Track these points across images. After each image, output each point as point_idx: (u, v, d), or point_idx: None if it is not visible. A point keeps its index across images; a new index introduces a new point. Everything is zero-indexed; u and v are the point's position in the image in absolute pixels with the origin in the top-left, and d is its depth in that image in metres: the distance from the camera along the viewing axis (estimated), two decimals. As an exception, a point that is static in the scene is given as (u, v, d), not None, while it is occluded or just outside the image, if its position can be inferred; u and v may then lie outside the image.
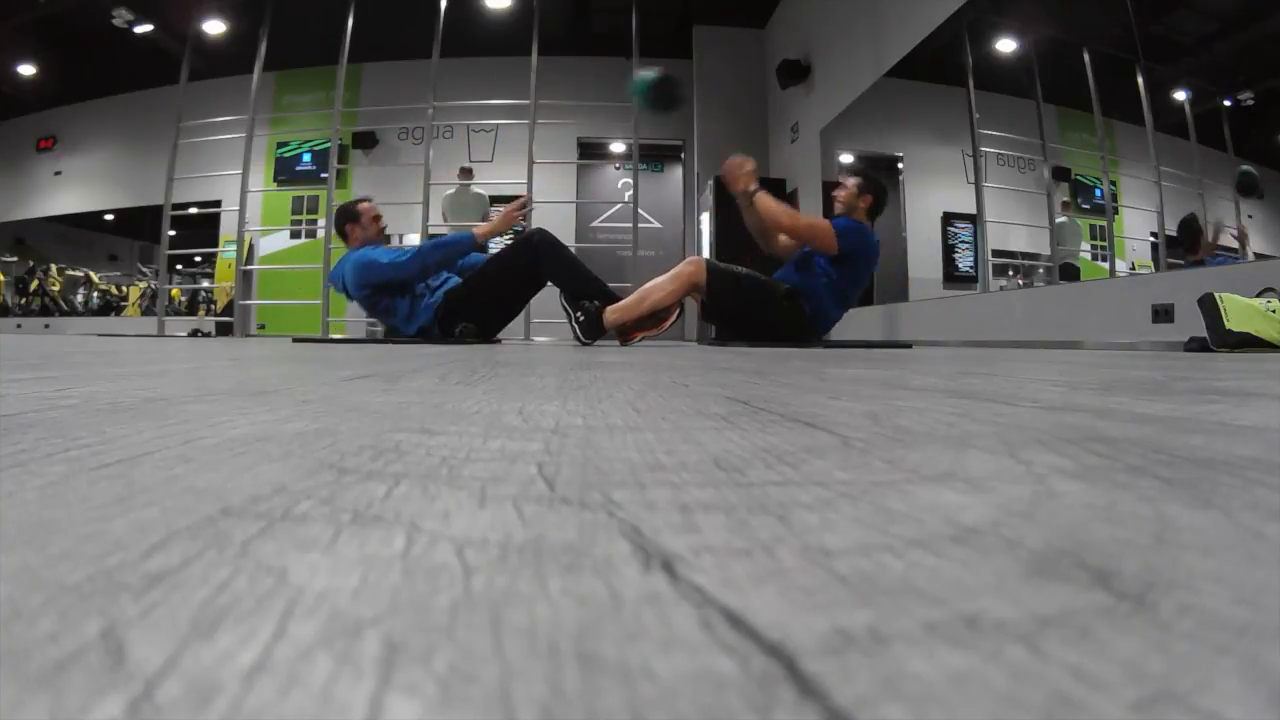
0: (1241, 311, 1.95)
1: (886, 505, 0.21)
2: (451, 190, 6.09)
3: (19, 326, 8.33)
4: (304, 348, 2.03)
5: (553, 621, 0.12)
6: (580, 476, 0.25)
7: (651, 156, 7.46)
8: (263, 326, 7.01)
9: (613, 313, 2.61)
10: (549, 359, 1.34)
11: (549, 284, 2.92)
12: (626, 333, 2.64)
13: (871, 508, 0.21)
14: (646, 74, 2.90)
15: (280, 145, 7.54)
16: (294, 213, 7.42)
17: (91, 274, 9.23)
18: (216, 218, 7.35)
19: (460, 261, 2.99)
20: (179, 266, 8.56)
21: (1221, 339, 1.95)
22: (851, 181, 2.83)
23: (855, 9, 5.17)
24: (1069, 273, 3.82)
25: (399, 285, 2.89)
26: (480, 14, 6.61)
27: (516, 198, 3.26)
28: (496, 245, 3.40)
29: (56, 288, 9.00)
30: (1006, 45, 4.24)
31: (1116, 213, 3.57)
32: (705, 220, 6.53)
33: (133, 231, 9.21)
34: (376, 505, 0.21)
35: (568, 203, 6.55)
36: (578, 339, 2.65)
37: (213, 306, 8.02)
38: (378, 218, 3.08)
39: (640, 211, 5.10)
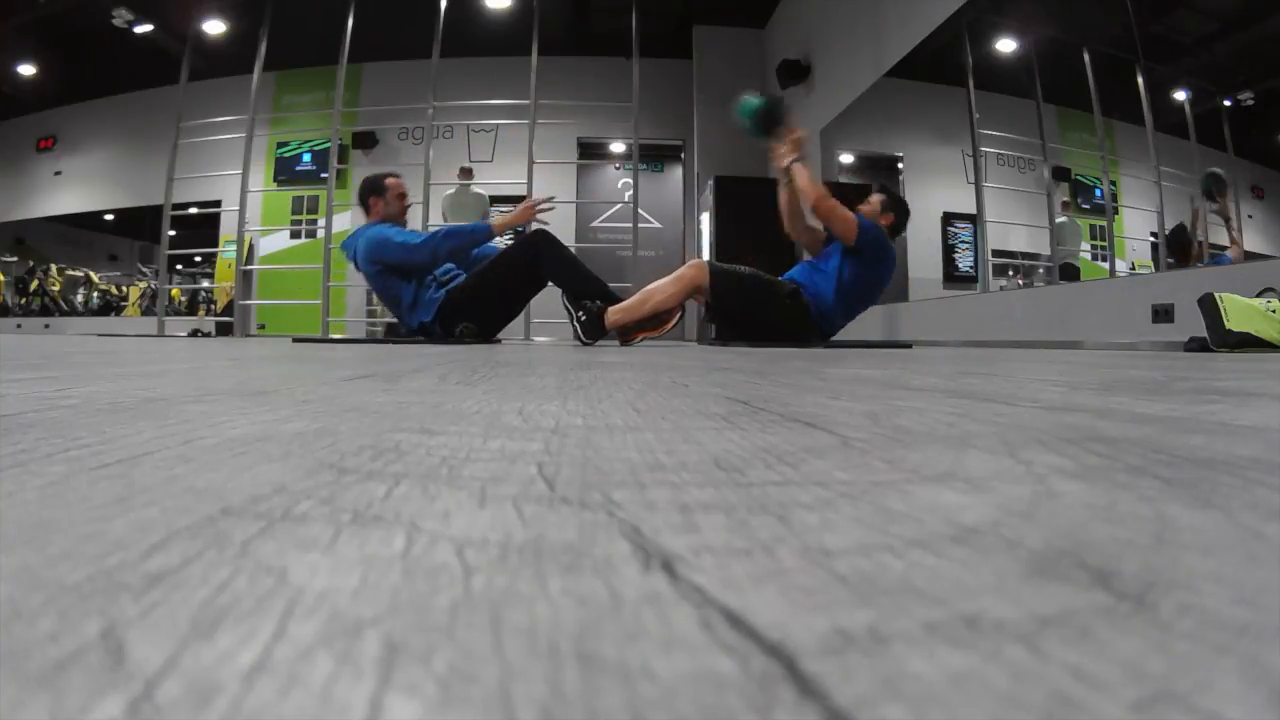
0: (1241, 311, 1.95)
1: (886, 505, 0.21)
2: (452, 190, 6.09)
3: (19, 326, 8.33)
4: (304, 348, 2.03)
5: (553, 621, 0.12)
6: (580, 476, 0.25)
7: (651, 156, 7.46)
8: (263, 326, 7.01)
9: (615, 313, 2.61)
10: (549, 359, 1.34)
11: (549, 284, 2.92)
12: (628, 333, 2.64)
13: (871, 508, 0.21)
14: (753, 98, 2.91)
15: (280, 145, 7.54)
16: (294, 213, 7.42)
17: (91, 274, 9.23)
18: (216, 218, 7.36)
19: (474, 252, 2.96)
20: (179, 266, 8.56)
21: (1221, 339, 1.95)
22: (875, 198, 2.85)
23: (855, 9, 5.17)
24: (1069, 273, 3.83)
25: (407, 270, 2.87)
26: (480, 14, 6.61)
27: (521, 199, 3.26)
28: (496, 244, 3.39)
29: (56, 288, 9.00)
30: (1006, 45, 4.24)
31: (1116, 213, 3.57)
32: (705, 220, 6.52)
33: (133, 231, 9.21)
34: (376, 505, 0.21)
35: (568, 203, 6.55)
36: (579, 339, 2.65)
37: (213, 306, 8.02)
38: (403, 195, 3.05)
39: (640, 211, 5.10)
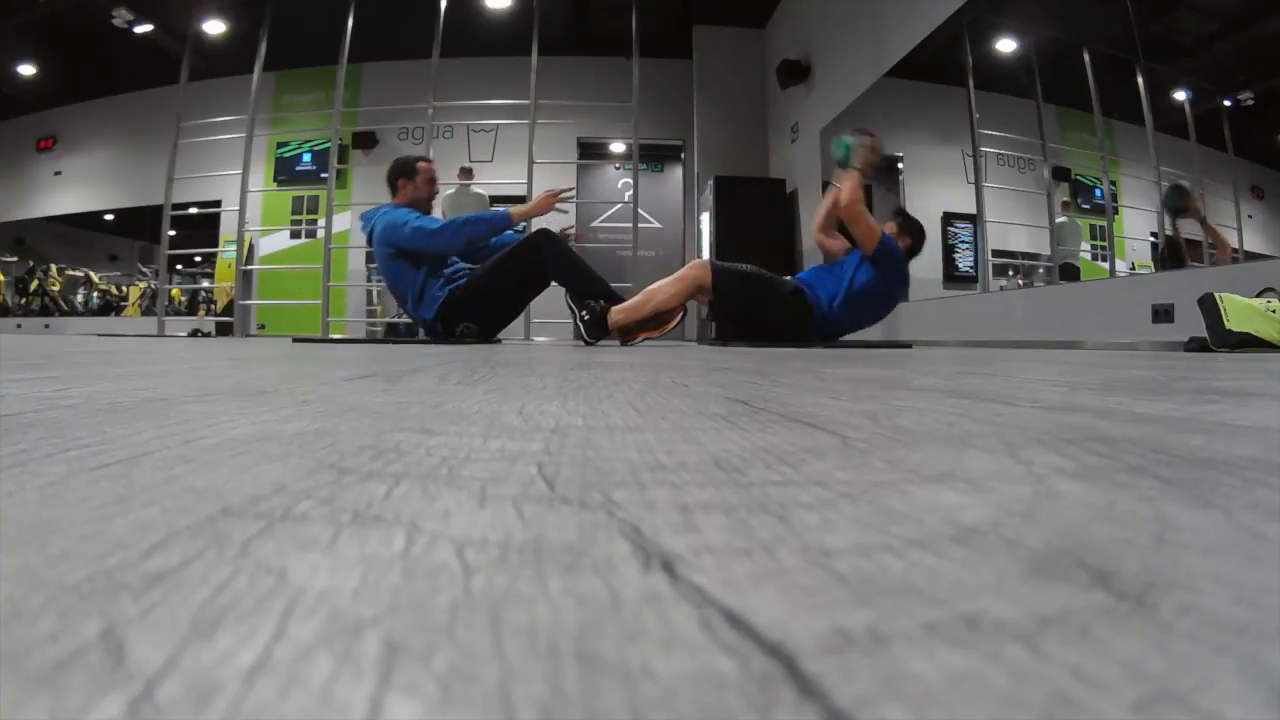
0: (1241, 311, 1.95)
1: (886, 505, 0.21)
2: (451, 190, 6.09)
3: (19, 326, 8.33)
4: (304, 348, 2.03)
5: (553, 621, 0.12)
6: (580, 476, 0.25)
7: (651, 156, 7.47)
8: (263, 326, 7.01)
9: (618, 313, 2.62)
10: (549, 359, 1.34)
11: (551, 284, 2.92)
12: (629, 333, 2.64)
13: (871, 508, 0.21)
14: (847, 138, 2.91)
15: (280, 145, 7.54)
16: (294, 213, 7.42)
17: (91, 274, 9.22)
18: (216, 218, 7.35)
19: (492, 241, 2.93)
20: (179, 266, 8.56)
21: (1221, 339, 1.95)
22: (893, 221, 2.86)
23: (855, 9, 5.17)
24: (1069, 273, 3.82)
25: (420, 258, 2.85)
26: (480, 14, 6.61)
27: (522, 199, 3.25)
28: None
29: (56, 288, 9.00)
30: (1006, 45, 4.24)
31: (1116, 213, 3.57)
32: (705, 220, 6.53)
33: (133, 231, 9.21)
34: (376, 505, 0.21)
35: (568, 203, 6.55)
36: (582, 338, 2.65)
37: (213, 306, 8.02)
38: (433, 180, 3.02)
39: (640, 211, 5.10)
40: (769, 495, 0.22)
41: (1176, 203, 3.15)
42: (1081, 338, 3.10)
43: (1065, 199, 3.83)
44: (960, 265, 4.52)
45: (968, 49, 4.11)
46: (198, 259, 8.30)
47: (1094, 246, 3.77)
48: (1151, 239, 3.31)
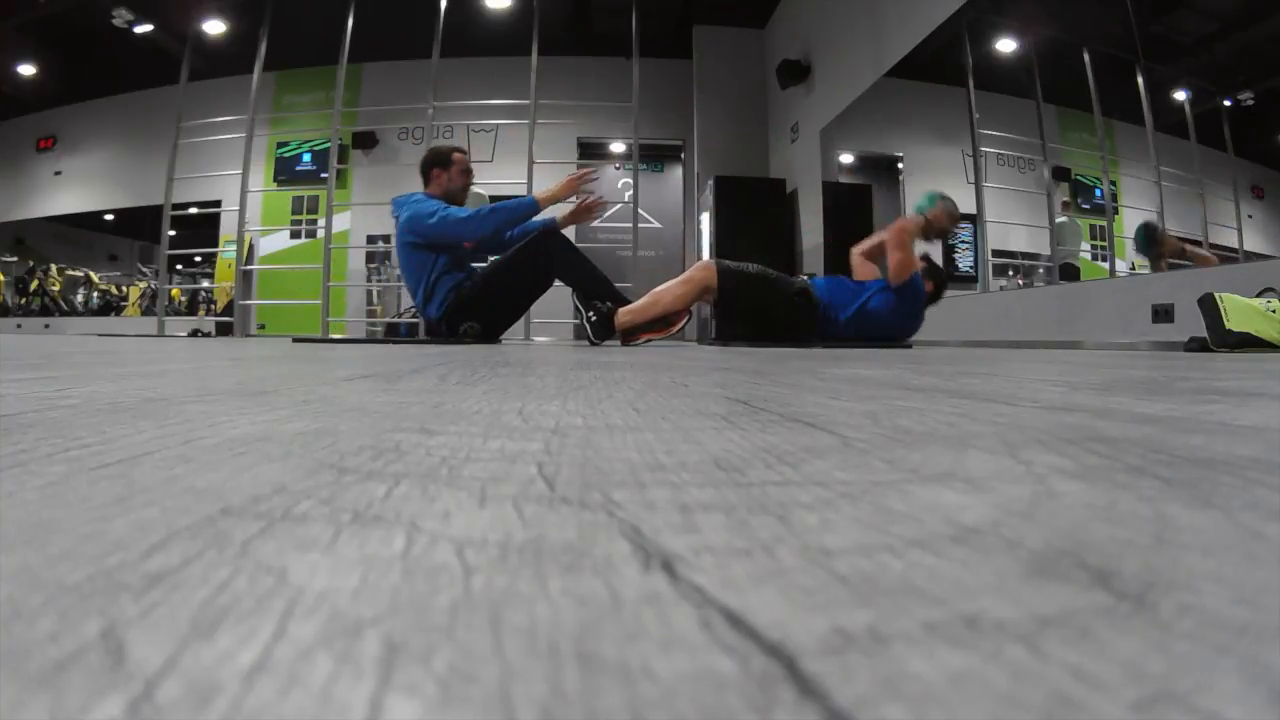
0: (1241, 311, 1.95)
1: (886, 505, 0.21)
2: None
3: (19, 326, 8.33)
4: (304, 348, 2.03)
5: (553, 621, 0.12)
6: (580, 476, 0.25)
7: (651, 156, 7.47)
8: (263, 326, 7.01)
9: (625, 314, 2.62)
10: (549, 359, 1.34)
11: (554, 285, 2.91)
12: (633, 334, 2.65)
13: (871, 508, 0.21)
14: (936, 193, 2.93)
15: (280, 145, 7.54)
16: (294, 213, 7.42)
17: (91, 274, 9.22)
18: (216, 218, 7.35)
19: (516, 229, 2.89)
20: (179, 266, 8.56)
21: (1221, 339, 1.95)
22: (921, 265, 2.87)
23: (855, 9, 5.17)
24: (1069, 273, 3.83)
25: (439, 250, 2.82)
26: (480, 14, 6.61)
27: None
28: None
29: (56, 288, 9.00)
30: (1006, 45, 4.24)
31: (1116, 213, 3.57)
32: (705, 220, 6.53)
33: (133, 231, 9.21)
34: (376, 505, 0.21)
35: (568, 202, 6.55)
36: (589, 339, 2.66)
37: (213, 306, 8.02)
38: (468, 172, 2.99)
39: (640, 211, 5.10)
40: (769, 495, 0.22)
41: (1148, 247, 3.20)
42: (1081, 338, 3.10)
43: (1065, 199, 3.83)
44: (960, 265, 4.52)
45: (968, 49, 4.11)
46: (198, 259, 8.30)
47: (1094, 246, 3.77)
48: (1151, 239, 3.31)
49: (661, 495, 0.22)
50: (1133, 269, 3.51)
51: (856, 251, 3.04)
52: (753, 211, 6.15)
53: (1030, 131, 3.90)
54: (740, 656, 0.11)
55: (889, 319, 2.76)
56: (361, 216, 7.15)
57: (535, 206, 2.83)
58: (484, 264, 3.05)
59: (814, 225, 5.83)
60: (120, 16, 6.56)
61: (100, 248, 9.73)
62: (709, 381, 0.74)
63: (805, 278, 2.97)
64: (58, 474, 0.24)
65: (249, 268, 6.35)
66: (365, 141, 7.36)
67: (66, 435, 0.33)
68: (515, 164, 4.97)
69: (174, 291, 8.20)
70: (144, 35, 6.84)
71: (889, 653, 0.11)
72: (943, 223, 2.79)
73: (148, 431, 0.34)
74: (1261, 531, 0.18)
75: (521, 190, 4.66)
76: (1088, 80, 3.53)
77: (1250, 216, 2.95)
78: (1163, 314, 2.77)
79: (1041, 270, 4.00)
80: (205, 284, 8.32)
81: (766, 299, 2.75)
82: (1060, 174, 3.84)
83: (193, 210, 6.95)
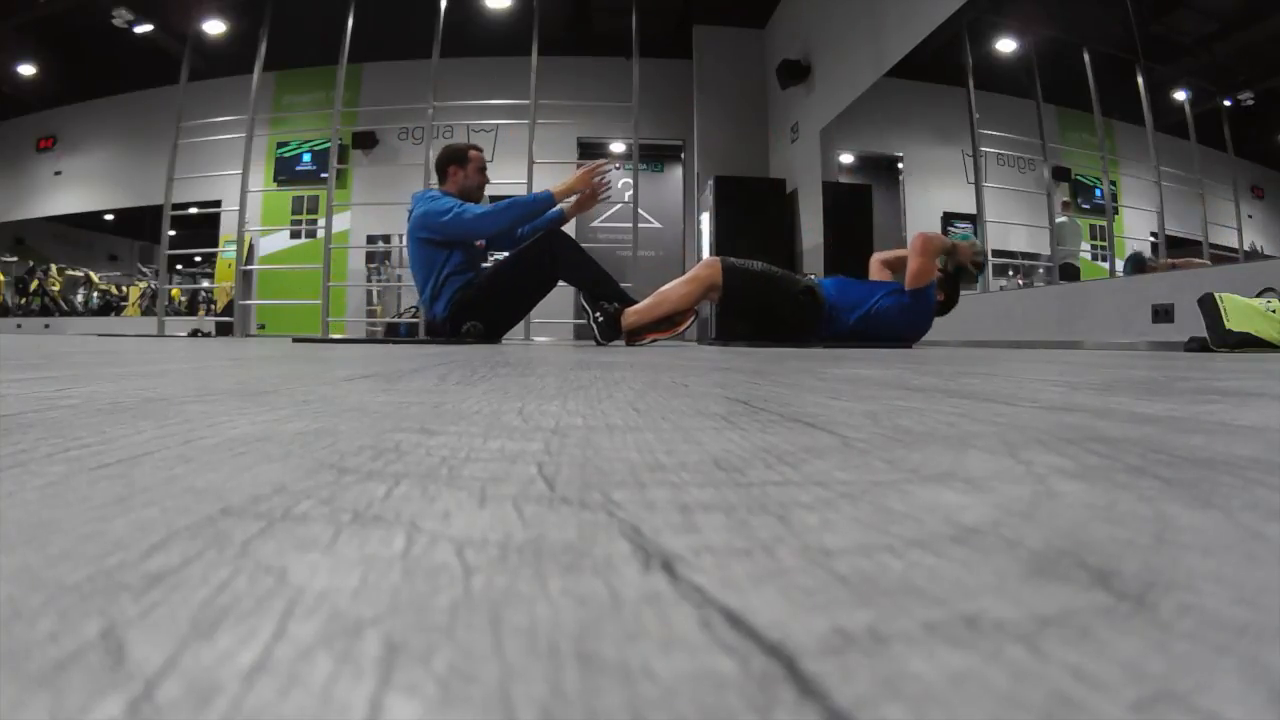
0: (1241, 311, 1.95)
1: (886, 505, 0.21)
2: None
3: (19, 326, 8.33)
4: (304, 348, 2.03)
5: (553, 621, 0.12)
6: (580, 476, 0.25)
7: (651, 156, 7.46)
8: (263, 326, 7.01)
9: (631, 314, 2.62)
10: (549, 359, 1.34)
11: (557, 285, 2.91)
12: (639, 334, 2.65)
13: (871, 508, 0.21)
14: (972, 234, 2.96)
15: (280, 145, 7.54)
16: (294, 213, 7.42)
17: (91, 274, 9.23)
18: (216, 218, 7.36)
19: (532, 223, 2.87)
20: (179, 266, 8.56)
21: (1221, 339, 1.95)
22: (936, 275, 2.88)
23: (855, 9, 5.17)
24: (1069, 273, 3.83)
25: (451, 247, 2.81)
26: (480, 14, 6.61)
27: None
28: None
29: (56, 288, 9.00)
30: (1006, 45, 4.24)
31: (1116, 213, 3.57)
32: (705, 220, 6.53)
33: (133, 231, 9.21)
34: (376, 505, 0.21)
35: (568, 202, 6.55)
36: (596, 339, 2.66)
37: (213, 306, 8.02)
38: (484, 169, 2.98)
39: (640, 211, 5.10)
40: (769, 495, 0.22)
41: (1136, 263, 3.23)
42: (1081, 338, 3.10)
43: (1065, 199, 3.83)
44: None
45: (968, 49, 4.11)
46: (198, 259, 8.31)
47: (1094, 246, 3.77)
48: (1151, 239, 3.31)
49: (661, 495, 0.22)
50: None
51: (877, 259, 3.04)
52: (753, 211, 6.15)
53: (1030, 131, 3.90)
54: (740, 656, 0.11)
55: (898, 320, 2.76)
56: (361, 216, 7.16)
57: (551, 200, 2.81)
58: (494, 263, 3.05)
59: (814, 225, 5.83)
60: (120, 16, 6.56)
61: (100, 248, 9.73)
62: (709, 381, 0.74)
63: (812, 276, 2.97)
64: (58, 474, 0.24)
65: (249, 268, 6.36)
66: (365, 141, 7.36)
67: (66, 435, 0.33)
68: (515, 164, 4.97)
69: (174, 291, 8.20)
70: (144, 35, 6.84)
71: (889, 653, 0.11)
72: (965, 256, 2.80)
73: (148, 431, 0.34)
74: (1261, 531, 0.18)
75: (522, 191, 4.67)
76: (1088, 80, 3.53)
77: (1250, 216, 2.95)
78: (1163, 314, 2.77)
79: (1041, 270, 4.00)
80: (205, 284, 8.32)
81: (771, 297, 2.75)
82: (1060, 174, 3.84)
83: (193, 210, 6.95)
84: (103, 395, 0.51)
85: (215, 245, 7.47)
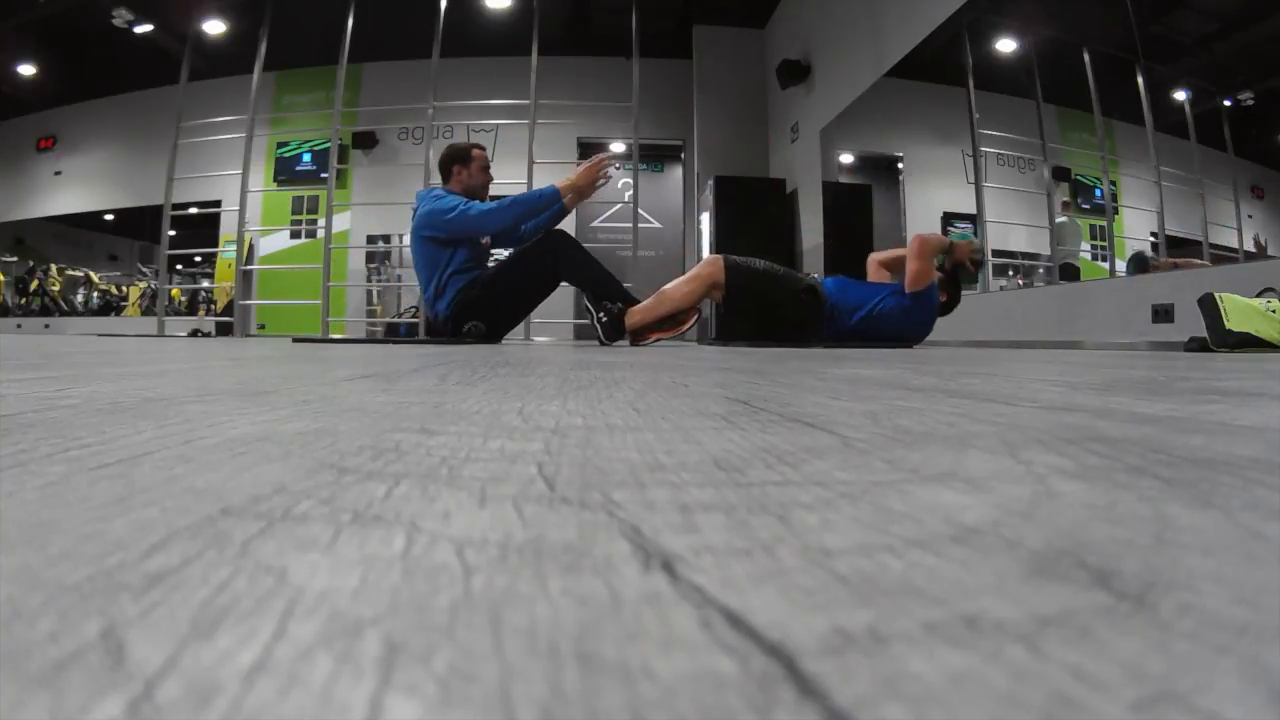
0: (1241, 311, 1.95)
1: (886, 505, 0.21)
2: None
3: (19, 326, 8.33)
4: (304, 348, 2.03)
5: (553, 621, 0.12)
6: (580, 476, 0.25)
7: (651, 156, 7.46)
8: (263, 326, 7.01)
9: (634, 314, 2.62)
10: (549, 359, 1.34)
11: (559, 286, 2.91)
12: (642, 334, 2.64)
13: (871, 508, 0.21)
14: (971, 234, 2.98)
15: (280, 145, 7.54)
16: (294, 213, 7.42)
17: (91, 274, 9.23)
18: (216, 218, 7.36)
19: (535, 221, 2.86)
20: (179, 266, 8.56)
21: (1221, 339, 1.95)
22: (936, 277, 2.88)
23: (855, 9, 5.17)
24: (1069, 273, 3.83)
25: (456, 245, 2.80)
26: (480, 14, 6.61)
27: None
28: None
29: (56, 288, 9.00)
30: (1006, 45, 4.24)
31: (1116, 213, 3.57)
32: (705, 220, 6.53)
33: (133, 231, 9.21)
34: (376, 505, 0.21)
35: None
36: (599, 339, 2.66)
37: (213, 306, 8.02)
38: (488, 168, 2.97)
39: (640, 211, 5.10)
40: (769, 495, 0.22)
41: (1138, 262, 3.24)
42: (1081, 338, 3.10)
43: (1065, 199, 3.83)
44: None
45: (968, 49, 4.11)
46: (198, 259, 8.31)
47: (1094, 246, 3.77)
48: (1151, 239, 3.32)
49: (661, 495, 0.22)
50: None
51: (875, 259, 3.04)
52: (753, 211, 6.15)
53: (1030, 131, 3.90)
54: (740, 656, 0.11)
55: (900, 321, 2.76)
56: (361, 216, 7.16)
57: (557, 195, 2.79)
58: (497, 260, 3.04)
59: (814, 225, 5.83)
60: (120, 16, 6.56)
61: (100, 248, 9.73)
62: (709, 381, 0.74)
63: (814, 276, 2.97)
64: (58, 474, 0.24)
65: (249, 268, 6.36)
66: (365, 141, 7.36)
67: (66, 435, 0.33)
68: (515, 164, 4.97)
69: (174, 291, 8.20)
70: (144, 35, 6.84)
71: (889, 653, 0.11)
72: (963, 255, 2.80)
73: (148, 431, 0.34)
74: (1261, 531, 0.18)
75: (521, 190, 4.67)
76: (1088, 80, 3.53)
77: (1250, 216, 2.95)
78: (1163, 314, 2.77)
79: (1041, 270, 4.00)
80: (205, 284, 8.32)
81: (773, 296, 2.75)
82: (1060, 174, 3.84)
83: (193, 210, 6.95)
84: (103, 395, 0.51)
85: (215, 245, 7.47)
